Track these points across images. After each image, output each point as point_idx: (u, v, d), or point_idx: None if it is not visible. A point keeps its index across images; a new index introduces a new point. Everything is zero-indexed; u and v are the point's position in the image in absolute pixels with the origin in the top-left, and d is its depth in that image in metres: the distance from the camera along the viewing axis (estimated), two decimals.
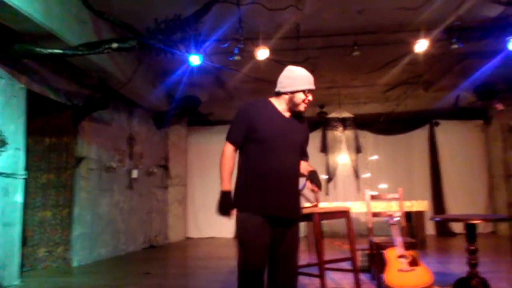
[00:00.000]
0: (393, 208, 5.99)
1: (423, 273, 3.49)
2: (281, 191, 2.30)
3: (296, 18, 5.10)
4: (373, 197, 4.56)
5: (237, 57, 5.17)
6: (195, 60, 4.95)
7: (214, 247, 7.87)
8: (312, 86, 2.37)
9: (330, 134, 8.91)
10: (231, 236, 9.09)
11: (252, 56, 5.40)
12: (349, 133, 8.83)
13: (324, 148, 8.96)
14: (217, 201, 2.33)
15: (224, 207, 2.31)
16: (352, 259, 3.55)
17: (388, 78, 7.26)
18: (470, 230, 3.18)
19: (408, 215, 7.03)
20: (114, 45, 4.38)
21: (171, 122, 8.38)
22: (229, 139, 2.35)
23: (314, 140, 9.11)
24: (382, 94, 8.20)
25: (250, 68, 6.25)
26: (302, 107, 2.37)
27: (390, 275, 3.51)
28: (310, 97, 2.36)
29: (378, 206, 6.34)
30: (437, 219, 3.48)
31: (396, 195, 4.44)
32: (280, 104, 2.40)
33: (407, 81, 7.43)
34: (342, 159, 8.94)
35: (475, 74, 6.77)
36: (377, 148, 9.02)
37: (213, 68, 6.19)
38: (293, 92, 2.33)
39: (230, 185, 2.33)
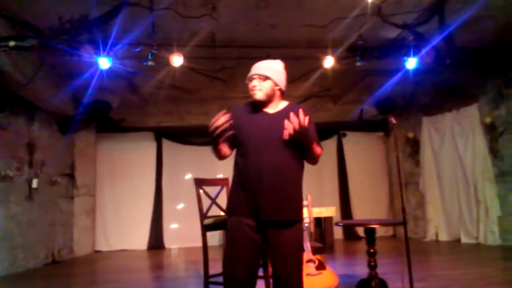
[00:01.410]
0: (304, 214, 6.23)
1: (329, 277, 3.67)
2: (266, 191, 2.14)
3: (212, 27, 5.12)
4: None
5: (150, 63, 5.03)
6: (104, 63, 4.73)
7: (125, 260, 7.49)
8: (250, 72, 2.32)
9: None
10: (144, 247, 8.75)
11: (167, 63, 5.30)
12: None
13: None
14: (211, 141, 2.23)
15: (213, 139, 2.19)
16: (263, 265, 3.61)
17: (300, 91, 7.59)
18: (370, 234, 3.43)
19: (318, 221, 7.39)
20: (11, 43, 4.02)
21: (78, 127, 7.84)
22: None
23: None
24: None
25: (166, 75, 6.12)
26: (254, 96, 2.28)
27: None
28: (252, 83, 2.28)
29: None
30: (340, 224, 3.69)
31: (305, 202, 4.63)
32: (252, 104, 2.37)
33: (317, 94, 7.84)
34: None
35: (377, 90, 7.39)
36: None
37: (125, 72, 5.95)
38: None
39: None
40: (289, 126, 2.09)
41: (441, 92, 7.67)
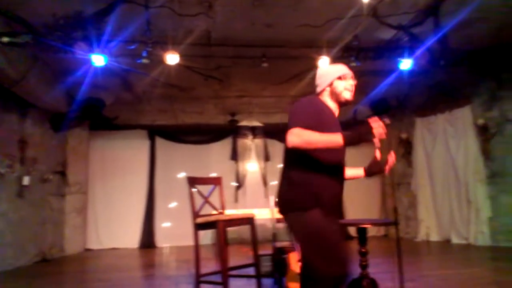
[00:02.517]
0: None
1: None
2: (341, 185, 2.26)
3: (207, 25, 5.11)
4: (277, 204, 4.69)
5: (145, 60, 5.01)
6: (98, 60, 4.69)
7: (116, 258, 7.45)
8: (347, 71, 2.30)
9: (241, 142, 9.03)
10: (135, 246, 8.71)
11: (162, 60, 5.28)
12: (259, 141, 9.05)
13: (234, 156, 9.06)
14: (354, 138, 2.03)
15: (361, 136, 2.03)
16: (255, 264, 3.61)
17: (296, 90, 7.60)
18: (361, 233, 3.43)
19: None
20: (5, 39, 3.99)
21: (71, 125, 7.78)
22: (301, 124, 2.06)
23: (224, 148, 9.17)
24: (290, 105, 8.55)
25: (160, 73, 6.11)
26: (347, 95, 2.28)
27: (290, 279, 3.64)
28: (351, 82, 2.28)
29: None
30: None
31: None
32: (326, 102, 2.33)
33: (312, 93, 7.85)
34: (252, 166, 9.11)
35: (371, 90, 7.41)
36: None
37: (119, 69, 5.92)
38: (330, 84, 2.28)
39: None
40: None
41: (435, 93, 7.71)
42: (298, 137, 2.02)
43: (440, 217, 7.88)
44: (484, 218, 6.90)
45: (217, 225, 3.29)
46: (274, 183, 9.25)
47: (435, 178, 8.01)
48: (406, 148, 8.65)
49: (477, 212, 7.01)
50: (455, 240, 7.42)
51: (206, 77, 6.31)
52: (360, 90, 7.67)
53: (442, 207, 7.82)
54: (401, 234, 8.59)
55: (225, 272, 3.34)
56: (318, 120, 2.14)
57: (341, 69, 2.31)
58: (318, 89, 2.34)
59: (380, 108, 7.95)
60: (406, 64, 5.63)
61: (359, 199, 9.35)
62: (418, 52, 5.38)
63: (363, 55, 5.59)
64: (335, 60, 5.63)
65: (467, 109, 7.32)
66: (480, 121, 6.98)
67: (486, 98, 6.98)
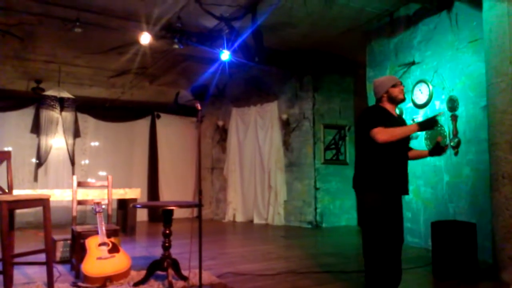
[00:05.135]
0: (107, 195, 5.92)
1: (121, 259, 3.57)
2: (405, 174, 2.91)
3: None
4: (81, 184, 4.34)
5: None
6: None
7: None
8: (397, 79, 3.01)
9: (45, 113, 7.95)
10: None
11: None
12: (68, 115, 8.15)
13: (37, 129, 7.95)
14: (423, 124, 2.75)
15: (430, 122, 2.73)
16: (46, 250, 3.25)
17: (115, 64, 7.15)
18: (166, 215, 3.47)
19: (123, 203, 7.12)
20: None
21: None
22: (380, 124, 2.72)
23: (25, 119, 7.97)
24: (107, 79, 8.00)
25: None
26: (402, 95, 2.96)
27: (88, 264, 3.42)
28: (401, 86, 2.97)
29: (91, 194, 6.14)
30: (138, 206, 3.63)
31: (105, 183, 4.38)
32: (385, 106, 2.96)
33: (133, 71, 7.51)
34: (57, 142, 8.16)
35: (194, 75, 7.53)
36: (98, 134, 8.73)
37: None
38: (386, 92, 2.93)
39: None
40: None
41: (250, 86, 8.35)
42: (385, 133, 2.70)
43: (246, 200, 8.64)
44: (281, 202, 7.89)
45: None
46: (85, 162, 8.56)
47: (244, 164, 8.72)
48: (221, 135, 9.14)
49: (276, 196, 7.96)
50: (256, 220, 8.26)
51: (3, 32, 5.32)
52: (183, 73, 7.79)
53: (248, 191, 8.60)
54: (211, 216, 9.10)
55: (9, 260, 2.91)
56: (386, 120, 2.81)
57: (393, 79, 3.04)
58: (378, 96, 3.00)
59: (200, 94, 8.16)
60: (225, 55, 5.88)
61: (176, 182, 9.47)
62: (235, 45, 5.69)
63: (186, 39, 5.60)
64: (157, 38, 5.49)
65: (274, 104, 8.19)
66: (284, 116, 7.91)
67: (290, 96, 7.93)
